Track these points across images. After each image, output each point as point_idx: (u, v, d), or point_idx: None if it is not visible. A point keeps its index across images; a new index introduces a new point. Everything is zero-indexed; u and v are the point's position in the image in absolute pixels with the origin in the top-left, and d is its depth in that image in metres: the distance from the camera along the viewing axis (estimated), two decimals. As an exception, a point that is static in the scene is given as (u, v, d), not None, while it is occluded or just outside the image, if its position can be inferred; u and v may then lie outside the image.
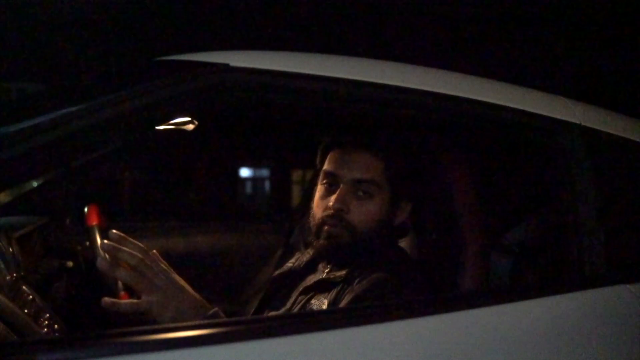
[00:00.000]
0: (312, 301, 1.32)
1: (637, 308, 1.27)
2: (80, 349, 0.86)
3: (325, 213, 1.32)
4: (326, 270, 1.37)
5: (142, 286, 1.04)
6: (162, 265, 1.08)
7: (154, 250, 1.08)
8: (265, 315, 1.41)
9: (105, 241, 1.06)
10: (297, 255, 1.52)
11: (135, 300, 1.05)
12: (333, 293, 1.29)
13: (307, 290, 1.36)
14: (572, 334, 1.19)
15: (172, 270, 1.09)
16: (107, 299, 1.04)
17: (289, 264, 1.50)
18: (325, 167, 1.37)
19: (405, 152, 1.41)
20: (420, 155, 1.55)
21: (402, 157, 1.37)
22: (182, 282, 1.09)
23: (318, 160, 1.41)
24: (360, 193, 1.32)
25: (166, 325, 1.01)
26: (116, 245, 1.05)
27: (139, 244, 1.08)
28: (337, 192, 1.31)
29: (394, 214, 1.36)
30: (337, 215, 1.30)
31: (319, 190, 1.37)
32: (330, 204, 1.31)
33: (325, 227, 1.31)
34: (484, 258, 1.43)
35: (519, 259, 1.56)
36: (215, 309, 1.08)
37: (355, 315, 1.08)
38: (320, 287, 1.33)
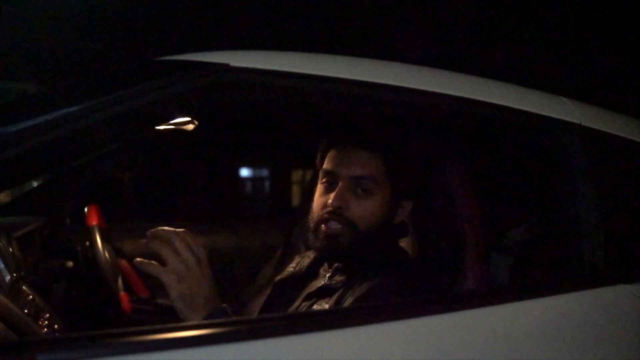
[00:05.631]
0: (314, 307, 1.32)
1: (637, 308, 1.27)
2: (80, 349, 0.86)
3: (325, 210, 1.31)
4: (327, 275, 1.36)
5: (173, 260, 1.07)
6: (197, 249, 1.10)
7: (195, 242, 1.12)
8: (265, 315, 1.41)
9: (151, 231, 1.10)
10: (297, 259, 1.52)
11: (159, 265, 1.07)
12: (334, 297, 1.29)
13: (309, 297, 1.35)
14: (572, 334, 1.19)
15: (205, 259, 1.11)
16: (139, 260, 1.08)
17: (290, 269, 1.49)
18: (325, 166, 1.37)
19: (404, 150, 1.40)
20: (420, 154, 1.55)
21: (401, 155, 1.37)
22: (208, 272, 1.10)
23: (318, 160, 1.41)
24: (360, 190, 1.31)
25: (166, 326, 1.01)
26: (160, 228, 1.10)
27: (180, 230, 1.12)
28: (336, 189, 1.31)
29: (394, 212, 1.36)
30: (336, 212, 1.30)
31: (319, 189, 1.37)
32: (330, 201, 1.30)
33: (324, 226, 1.31)
34: (484, 258, 1.43)
35: (519, 259, 1.56)
36: (224, 305, 1.09)
37: (355, 315, 1.08)
38: (322, 293, 1.33)
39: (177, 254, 1.07)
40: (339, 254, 1.33)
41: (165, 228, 1.10)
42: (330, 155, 1.37)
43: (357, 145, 1.33)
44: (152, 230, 1.10)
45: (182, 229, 1.11)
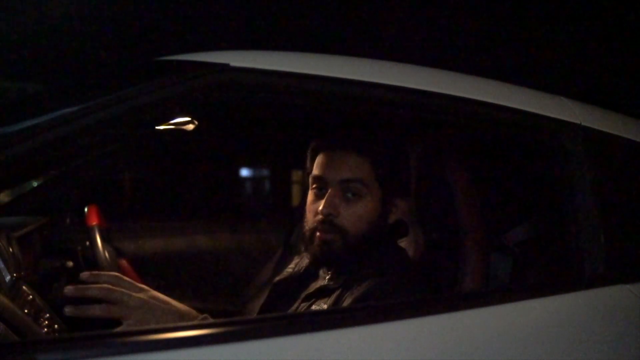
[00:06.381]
0: (313, 307, 1.32)
1: (637, 308, 1.27)
2: (80, 349, 0.86)
3: (316, 219, 1.30)
4: (327, 277, 1.36)
5: (119, 312, 1.05)
6: (136, 284, 1.09)
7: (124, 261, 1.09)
8: (264, 315, 1.41)
9: (67, 288, 1.05)
10: (296, 259, 1.52)
11: (123, 327, 1.06)
12: (332, 298, 1.29)
13: (308, 298, 1.35)
14: (572, 334, 1.19)
15: (145, 288, 1.10)
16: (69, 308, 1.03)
17: (289, 269, 1.49)
18: (314, 172, 1.35)
19: (394, 150, 1.39)
20: (413, 154, 1.55)
21: (390, 155, 1.35)
22: (162, 296, 1.10)
23: (308, 164, 1.40)
24: (349, 195, 1.30)
25: (166, 325, 1.01)
26: (79, 287, 1.05)
27: (107, 273, 1.10)
28: (326, 196, 1.30)
29: (387, 212, 1.35)
30: (327, 221, 1.29)
31: (309, 195, 1.36)
32: (320, 208, 1.29)
33: (318, 234, 1.30)
34: (484, 258, 1.43)
35: (519, 259, 1.56)
36: (204, 315, 1.08)
37: (355, 315, 1.08)
38: (321, 294, 1.33)
39: (126, 304, 1.05)
40: (333, 260, 1.32)
41: (97, 287, 1.05)
42: (318, 161, 1.35)
43: (344, 148, 1.32)
44: (80, 288, 1.04)
45: (110, 274, 1.09)
